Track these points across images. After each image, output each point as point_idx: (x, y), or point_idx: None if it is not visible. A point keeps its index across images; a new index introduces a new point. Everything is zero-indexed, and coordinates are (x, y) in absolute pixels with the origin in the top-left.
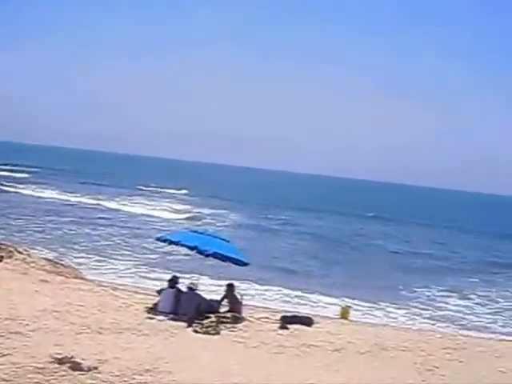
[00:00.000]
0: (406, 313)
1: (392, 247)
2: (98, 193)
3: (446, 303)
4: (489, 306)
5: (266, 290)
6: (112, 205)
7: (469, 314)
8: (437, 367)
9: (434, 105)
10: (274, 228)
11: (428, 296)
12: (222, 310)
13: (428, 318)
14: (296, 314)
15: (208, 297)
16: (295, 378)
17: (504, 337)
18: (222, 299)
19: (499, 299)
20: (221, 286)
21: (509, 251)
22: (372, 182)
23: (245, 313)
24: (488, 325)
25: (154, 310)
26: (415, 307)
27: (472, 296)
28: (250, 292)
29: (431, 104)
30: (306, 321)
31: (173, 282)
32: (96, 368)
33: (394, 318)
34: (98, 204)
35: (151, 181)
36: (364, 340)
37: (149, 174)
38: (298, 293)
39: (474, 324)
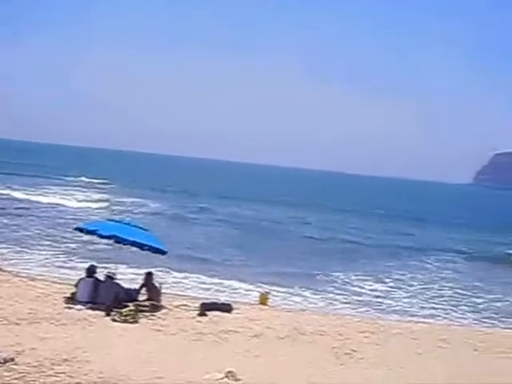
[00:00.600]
0: (324, 298)
1: (308, 233)
2: (23, 184)
3: (363, 287)
4: (404, 290)
5: (185, 278)
6: (30, 196)
7: (385, 297)
8: (354, 350)
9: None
10: (194, 216)
11: (345, 281)
12: (141, 298)
13: (346, 303)
14: (215, 301)
15: (126, 285)
16: (214, 364)
17: (420, 319)
18: (141, 288)
19: (413, 282)
20: (139, 274)
21: (422, 235)
22: (292, 168)
23: (164, 301)
24: (405, 308)
25: (72, 299)
26: (333, 292)
27: (387, 280)
28: (168, 280)
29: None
30: (225, 307)
31: (91, 271)
32: (13, 359)
33: (312, 303)
34: (8, 194)
35: (80, 172)
36: (283, 325)
37: (82, 165)
38: (217, 280)
39: (392, 307)
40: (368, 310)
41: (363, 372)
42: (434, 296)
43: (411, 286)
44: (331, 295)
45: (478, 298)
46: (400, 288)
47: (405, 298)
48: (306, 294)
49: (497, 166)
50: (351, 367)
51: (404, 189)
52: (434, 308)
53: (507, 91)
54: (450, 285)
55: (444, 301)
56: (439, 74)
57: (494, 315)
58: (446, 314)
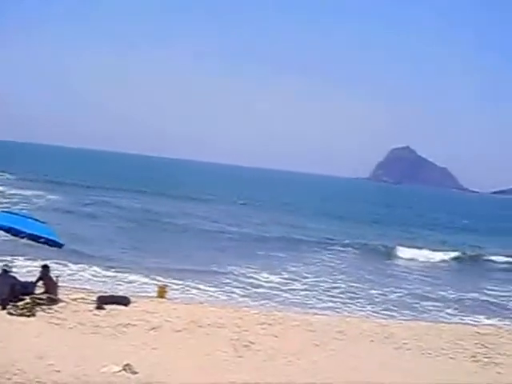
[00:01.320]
0: (222, 290)
1: (204, 226)
2: None
3: (259, 280)
4: (300, 282)
5: (82, 271)
6: None
7: (282, 289)
8: (252, 342)
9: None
10: (90, 210)
11: (241, 273)
12: (38, 291)
13: (243, 295)
14: (113, 294)
15: (23, 278)
16: (111, 357)
17: (318, 311)
18: (38, 281)
19: (308, 275)
20: (36, 267)
21: (316, 228)
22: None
23: (61, 294)
24: (302, 300)
25: None
26: (230, 285)
27: (283, 272)
28: (65, 273)
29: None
30: (123, 300)
31: None
32: None
33: (210, 296)
34: None
35: None
36: (180, 318)
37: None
38: (115, 273)
39: (289, 300)
40: (266, 303)
41: (261, 364)
42: (329, 288)
43: (306, 278)
44: (228, 288)
45: (372, 289)
46: (296, 280)
47: (301, 290)
48: (204, 286)
49: (393, 161)
50: (249, 359)
51: (300, 183)
52: (331, 300)
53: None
54: (344, 277)
55: (340, 293)
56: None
57: (391, 307)
58: (343, 305)
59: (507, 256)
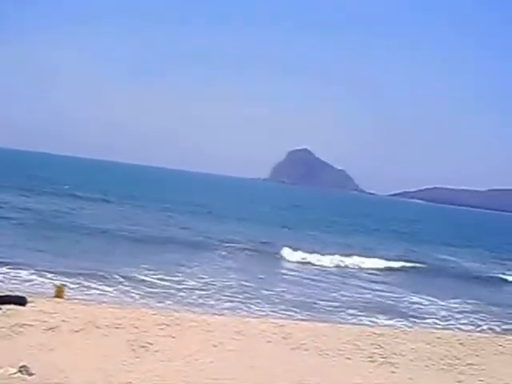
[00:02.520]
0: (120, 291)
1: (98, 226)
2: None
3: (156, 280)
4: (197, 281)
5: None
6: None
7: (179, 289)
8: (150, 343)
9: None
10: None
11: (137, 273)
12: None
13: (141, 296)
14: (8, 293)
15: None
16: (7, 358)
17: (216, 311)
18: None
19: (203, 275)
20: None
21: (207, 228)
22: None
23: None
24: (199, 300)
25: None
26: (128, 285)
27: (178, 273)
28: None
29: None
30: (19, 300)
31: None
32: None
33: (108, 297)
34: None
35: None
36: (78, 318)
37: None
38: (10, 271)
39: (186, 299)
40: (164, 303)
41: (159, 364)
42: (225, 288)
43: (202, 278)
44: (127, 288)
45: (267, 290)
46: (192, 280)
47: (198, 289)
48: (102, 287)
49: (292, 162)
50: (147, 360)
51: (200, 182)
52: (229, 301)
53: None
54: (238, 276)
55: (236, 293)
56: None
57: (289, 307)
58: (243, 305)
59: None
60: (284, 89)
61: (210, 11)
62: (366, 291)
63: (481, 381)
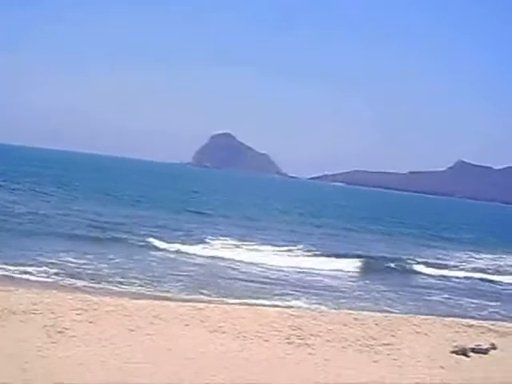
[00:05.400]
0: (37, 274)
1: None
2: None
3: (68, 262)
4: (106, 264)
5: None
6: None
7: (93, 273)
8: (67, 328)
9: None
10: None
11: (53, 256)
12: None
13: (59, 279)
14: None
15: None
16: None
17: (133, 296)
18: None
19: (113, 256)
20: None
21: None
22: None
23: None
24: (115, 284)
25: None
26: (47, 268)
27: (88, 255)
28: None
29: None
30: None
31: None
32: None
33: (25, 281)
34: None
35: None
36: None
37: None
38: None
39: (107, 287)
40: (79, 287)
41: (75, 349)
42: (140, 270)
43: (112, 259)
44: (44, 269)
45: (173, 273)
46: (101, 263)
47: (109, 273)
48: (16, 270)
49: (215, 146)
50: (63, 345)
51: (122, 168)
52: (141, 285)
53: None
54: (136, 265)
55: (149, 276)
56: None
57: (203, 290)
58: (154, 288)
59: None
60: (207, 73)
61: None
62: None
63: (395, 360)
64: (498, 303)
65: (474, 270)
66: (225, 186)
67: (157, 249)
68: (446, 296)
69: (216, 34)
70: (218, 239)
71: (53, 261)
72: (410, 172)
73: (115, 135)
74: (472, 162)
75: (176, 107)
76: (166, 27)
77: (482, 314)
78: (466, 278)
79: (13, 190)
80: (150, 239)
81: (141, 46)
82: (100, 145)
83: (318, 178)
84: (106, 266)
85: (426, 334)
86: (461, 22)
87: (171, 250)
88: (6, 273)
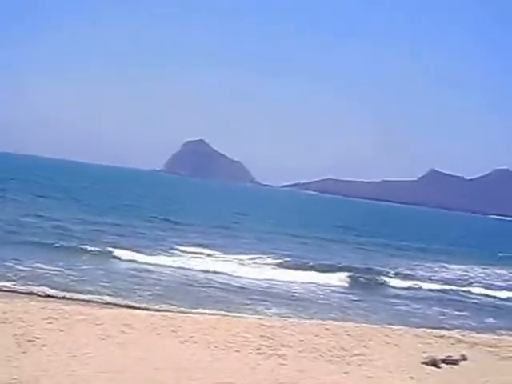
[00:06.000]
0: (8, 284)
1: None
2: None
3: (37, 268)
4: (78, 273)
5: None
6: None
7: (65, 281)
8: (38, 337)
9: None
10: None
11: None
12: None
13: (25, 284)
14: None
15: None
16: None
17: (103, 305)
18: None
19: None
20: None
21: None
22: None
23: None
24: (87, 294)
25: None
26: (18, 279)
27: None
28: None
29: None
30: None
31: None
32: None
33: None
34: None
35: None
36: None
37: None
38: None
39: (77, 297)
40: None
41: (45, 358)
42: (112, 279)
43: (79, 268)
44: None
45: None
46: (69, 272)
47: (78, 282)
48: None
49: (188, 153)
50: (33, 354)
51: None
52: (109, 295)
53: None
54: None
55: (118, 286)
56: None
57: (172, 301)
58: (124, 298)
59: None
60: (180, 80)
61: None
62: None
63: (366, 370)
64: (467, 313)
65: (446, 280)
66: (197, 194)
67: (124, 258)
68: (416, 306)
69: (196, 35)
70: (188, 248)
71: (21, 268)
72: (383, 181)
73: (86, 141)
74: (444, 172)
75: (149, 113)
76: (141, 30)
77: (452, 323)
78: (436, 289)
79: None
80: (118, 249)
81: (116, 50)
82: (70, 151)
83: (291, 186)
84: (74, 274)
85: (396, 345)
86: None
87: (139, 259)
88: None
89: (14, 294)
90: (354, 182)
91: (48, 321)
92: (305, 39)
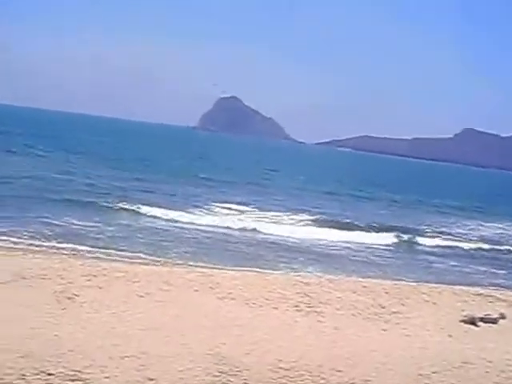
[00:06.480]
0: (43, 240)
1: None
2: None
3: (84, 227)
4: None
5: None
6: None
7: (106, 241)
8: (77, 295)
9: None
10: None
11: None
12: None
13: (66, 244)
14: None
15: None
16: None
17: (144, 261)
18: None
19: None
20: None
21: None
22: None
23: None
24: (123, 251)
25: None
26: (52, 235)
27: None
28: None
29: None
30: None
31: None
32: None
33: (34, 245)
34: None
35: None
36: (3, 270)
37: None
38: None
39: (114, 253)
40: (90, 252)
41: (85, 316)
42: (147, 236)
43: (130, 226)
44: (48, 234)
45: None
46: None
47: (113, 239)
48: (24, 235)
49: (220, 110)
50: (72, 311)
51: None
52: (149, 252)
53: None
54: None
55: (154, 243)
56: None
57: (210, 258)
58: (161, 255)
59: None
60: (209, 40)
61: None
62: None
63: (404, 329)
64: (505, 272)
65: (482, 238)
66: (231, 151)
67: (157, 215)
68: (454, 264)
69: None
70: (222, 205)
71: (57, 223)
72: (415, 138)
73: (121, 97)
74: (479, 129)
75: (183, 70)
76: None
77: (491, 281)
78: (473, 247)
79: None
80: (151, 206)
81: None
82: (107, 107)
83: (325, 143)
84: (110, 231)
85: (434, 303)
86: None
87: (172, 216)
88: (10, 238)
89: (52, 251)
90: (388, 139)
91: (87, 278)
92: None
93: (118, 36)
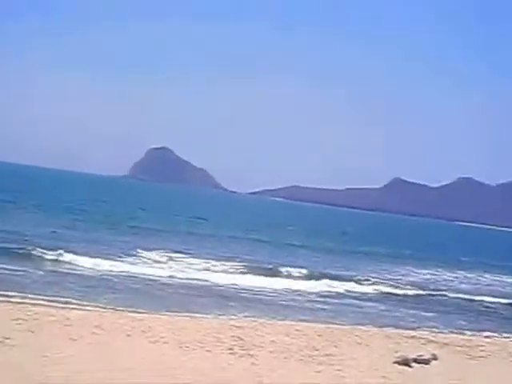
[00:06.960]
0: None
1: None
2: None
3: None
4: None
5: None
6: None
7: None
8: (7, 338)
9: None
10: None
11: None
12: None
13: None
14: None
15: None
16: None
17: (75, 306)
18: None
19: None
20: None
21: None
22: None
23: None
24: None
25: None
26: None
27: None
28: None
29: None
30: None
31: None
32: None
33: None
34: None
35: None
36: None
37: None
38: None
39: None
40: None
41: (16, 359)
42: (77, 283)
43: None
44: None
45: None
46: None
47: (40, 285)
48: None
49: (151, 160)
50: (3, 355)
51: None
52: (80, 298)
53: None
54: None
55: (83, 289)
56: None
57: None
58: (94, 300)
59: None
60: (142, 87)
61: None
62: None
63: (338, 370)
64: (436, 315)
65: (413, 284)
66: (161, 200)
67: (86, 265)
68: (385, 309)
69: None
70: (151, 253)
71: None
72: (347, 188)
73: (51, 146)
74: (408, 180)
75: (112, 119)
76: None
77: (422, 325)
78: (403, 293)
79: None
80: (79, 255)
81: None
82: (36, 156)
83: (258, 192)
84: (37, 278)
85: (367, 345)
86: None
87: (102, 263)
88: None
89: None
90: (320, 189)
91: (17, 322)
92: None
93: None
